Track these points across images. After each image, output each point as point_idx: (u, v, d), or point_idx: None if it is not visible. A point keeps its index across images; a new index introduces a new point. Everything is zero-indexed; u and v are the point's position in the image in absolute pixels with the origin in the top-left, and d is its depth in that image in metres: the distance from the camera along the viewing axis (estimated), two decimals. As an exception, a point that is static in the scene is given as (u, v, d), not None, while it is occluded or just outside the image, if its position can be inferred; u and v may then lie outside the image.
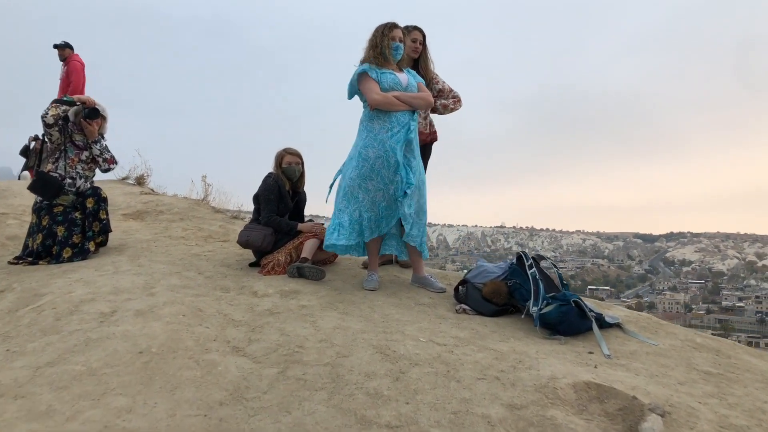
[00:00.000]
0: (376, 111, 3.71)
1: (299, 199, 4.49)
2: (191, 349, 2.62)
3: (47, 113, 4.27)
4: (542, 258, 3.52)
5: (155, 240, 5.00)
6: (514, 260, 3.54)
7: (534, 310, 3.19)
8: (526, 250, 3.54)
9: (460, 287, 3.64)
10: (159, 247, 4.76)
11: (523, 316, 3.34)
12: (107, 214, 4.50)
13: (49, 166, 4.39)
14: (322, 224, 4.26)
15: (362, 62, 3.84)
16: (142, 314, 2.98)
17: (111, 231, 4.55)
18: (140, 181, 7.89)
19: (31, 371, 2.36)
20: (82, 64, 7.90)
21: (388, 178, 3.65)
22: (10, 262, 4.25)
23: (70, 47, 7.92)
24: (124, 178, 8.06)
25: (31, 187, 4.31)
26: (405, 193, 3.61)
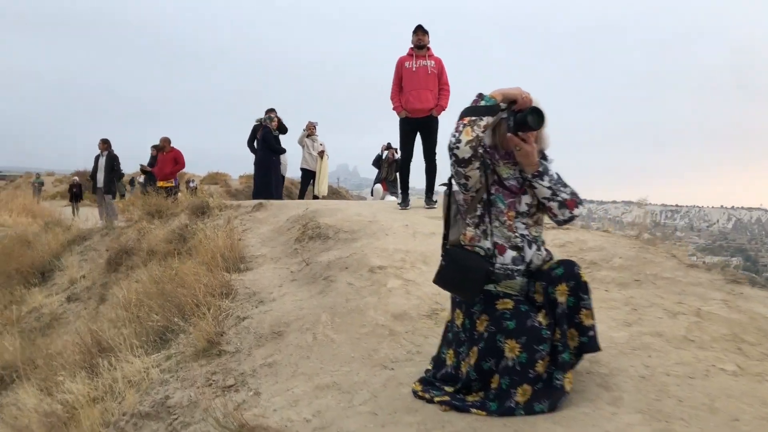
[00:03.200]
0: None
1: None
2: None
3: (458, 140, 2.19)
4: None
5: (639, 345, 2.58)
6: None
7: None
8: None
9: None
10: (669, 373, 2.32)
11: None
12: (593, 316, 2.23)
13: (469, 233, 2.37)
14: None
15: None
16: None
17: (600, 350, 2.27)
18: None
19: None
20: None
21: None
22: (418, 395, 2.34)
23: None
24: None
25: (440, 281, 2.36)
26: None
